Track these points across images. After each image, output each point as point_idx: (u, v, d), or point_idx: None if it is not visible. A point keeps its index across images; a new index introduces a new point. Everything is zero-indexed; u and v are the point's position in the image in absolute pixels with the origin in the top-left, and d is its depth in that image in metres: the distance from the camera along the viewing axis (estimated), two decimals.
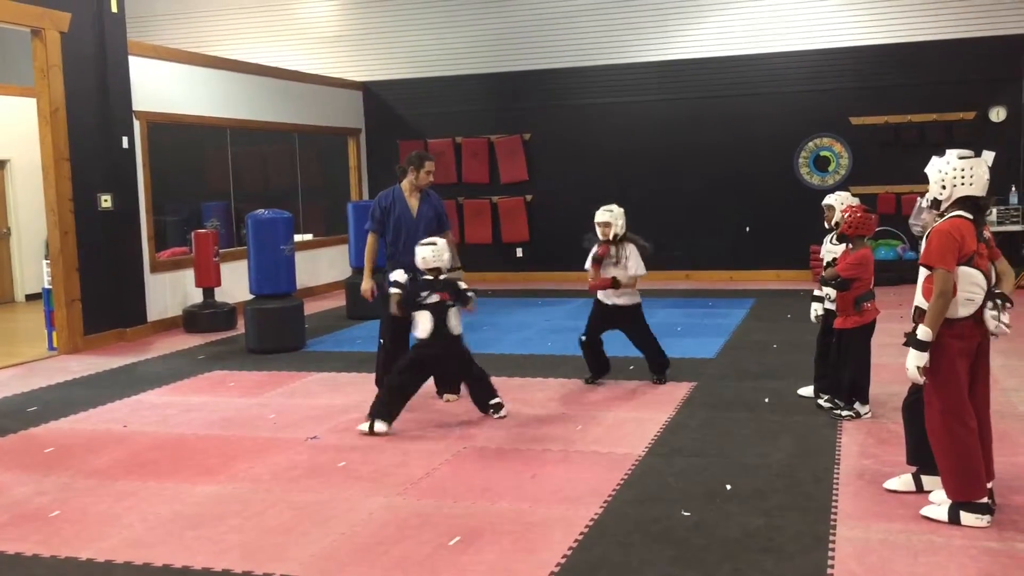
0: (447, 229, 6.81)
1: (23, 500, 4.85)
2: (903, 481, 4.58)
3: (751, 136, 13.04)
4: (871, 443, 5.37)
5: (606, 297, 6.92)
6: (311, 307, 11.26)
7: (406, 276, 6.13)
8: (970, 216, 4.12)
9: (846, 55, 12.64)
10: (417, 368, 6.02)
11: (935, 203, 4.20)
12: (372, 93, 14.58)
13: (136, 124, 10.06)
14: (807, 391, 6.39)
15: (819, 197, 7.12)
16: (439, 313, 5.95)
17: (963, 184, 4.10)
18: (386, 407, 5.86)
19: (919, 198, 4.68)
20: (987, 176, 4.15)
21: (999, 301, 4.13)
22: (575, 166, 13.68)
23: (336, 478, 5.05)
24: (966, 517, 4.10)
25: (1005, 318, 4.12)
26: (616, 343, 7.33)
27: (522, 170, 13.96)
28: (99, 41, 9.47)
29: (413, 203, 6.64)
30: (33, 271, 12.73)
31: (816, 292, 6.26)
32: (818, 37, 12.73)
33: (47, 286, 9.22)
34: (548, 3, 13.71)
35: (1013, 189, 11.94)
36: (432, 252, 5.98)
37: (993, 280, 4.18)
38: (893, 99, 12.44)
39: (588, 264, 6.87)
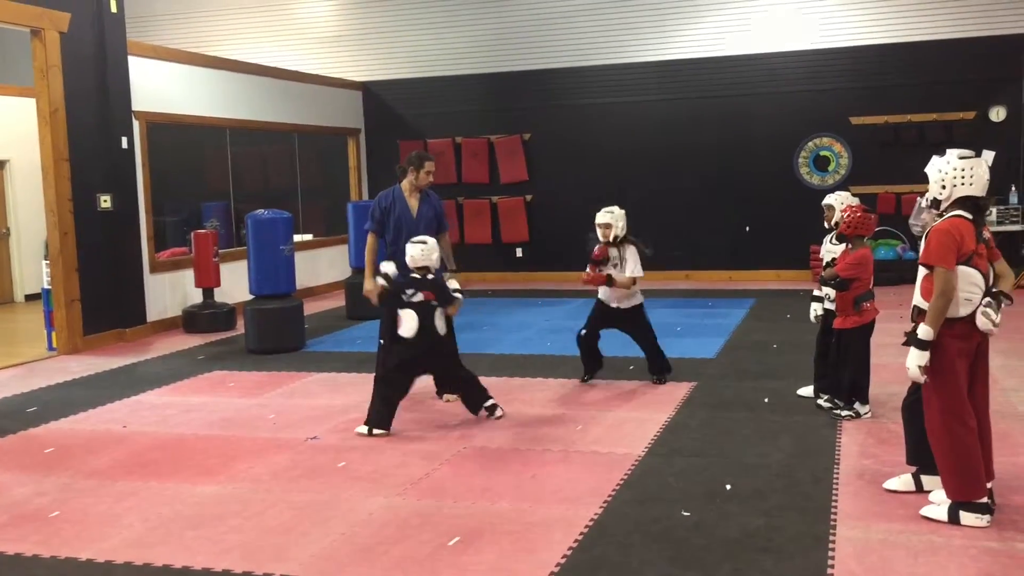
0: (446, 230, 6.82)
1: (23, 500, 4.85)
2: (903, 481, 4.58)
3: (751, 136, 13.05)
4: (871, 443, 5.37)
5: (607, 299, 6.93)
6: (311, 307, 11.26)
7: (394, 268, 6.14)
8: (969, 216, 4.12)
9: (846, 55, 12.64)
10: (403, 370, 5.98)
11: (935, 203, 4.20)
12: (372, 93, 14.58)
13: (135, 124, 10.06)
14: (807, 391, 6.40)
15: (819, 197, 7.12)
16: (425, 313, 5.90)
17: (963, 184, 4.10)
18: (380, 415, 5.86)
19: (919, 198, 4.67)
20: (987, 176, 4.15)
21: (998, 299, 4.13)
22: (575, 166, 13.68)
23: (336, 478, 5.05)
24: (966, 517, 4.10)
25: (997, 317, 4.11)
26: (616, 343, 7.34)
27: (522, 170, 13.96)
28: (99, 41, 9.47)
29: (413, 203, 6.64)
30: (32, 271, 12.73)
31: (816, 292, 6.26)
32: (818, 37, 12.73)
33: (46, 286, 9.22)
34: (548, 3, 13.71)
35: (1013, 189, 11.94)
36: (421, 251, 5.93)
37: (991, 281, 4.18)
38: (893, 99, 12.44)
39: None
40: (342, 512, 4.53)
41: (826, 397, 6.06)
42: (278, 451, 5.59)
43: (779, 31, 12.85)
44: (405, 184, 6.66)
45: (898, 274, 11.12)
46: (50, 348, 9.17)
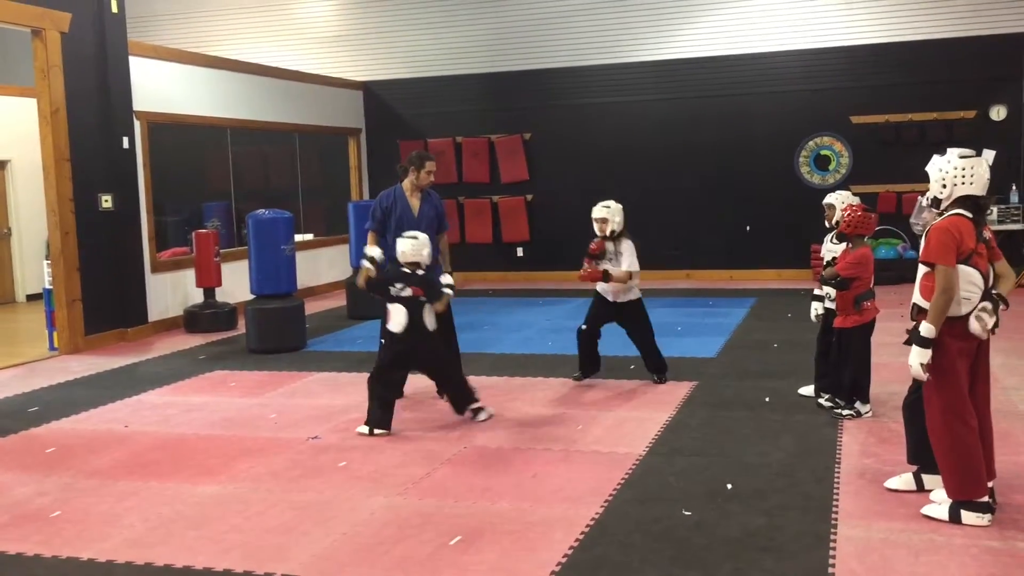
0: (446, 230, 6.83)
1: (24, 500, 4.85)
2: (904, 480, 4.58)
3: (751, 135, 13.05)
4: (872, 442, 5.37)
5: (605, 292, 6.90)
6: (312, 307, 11.26)
7: (380, 253, 6.13)
8: (970, 215, 4.12)
9: (846, 54, 12.64)
10: (393, 367, 5.95)
11: (935, 202, 4.20)
12: (372, 93, 14.59)
13: (136, 124, 10.06)
14: (808, 390, 6.39)
15: (820, 196, 7.12)
16: (413, 308, 5.85)
17: (963, 183, 4.10)
18: (379, 415, 5.85)
19: (920, 197, 4.68)
20: (987, 175, 4.15)
21: (995, 303, 4.12)
22: (576, 166, 13.68)
23: (337, 478, 5.05)
24: (967, 516, 4.10)
25: (991, 322, 4.10)
26: (616, 342, 7.34)
27: (522, 170, 13.96)
28: (99, 41, 9.47)
29: (415, 203, 6.64)
30: (34, 271, 12.73)
31: (816, 291, 6.26)
32: (818, 36, 12.73)
33: (48, 286, 9.22)
34: (549, 3, 13.71)
35: (1014, 188, 11.94)
36: (411, 246, 5.88)
37: (991, 281, 4.17)
38: (893, 98, 12.44)
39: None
40: (343, 512, 4.53)
41: (827, 396, 6.06)
42: (279, 451, 5.59)
43: (779, 30, 12.84)
44: (406, 184, 6.66)
45: (899, 273, 11.12)
46: (51, 348, 9.18)
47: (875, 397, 6.06)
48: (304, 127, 13.24)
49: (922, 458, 4.48)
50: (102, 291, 9.39)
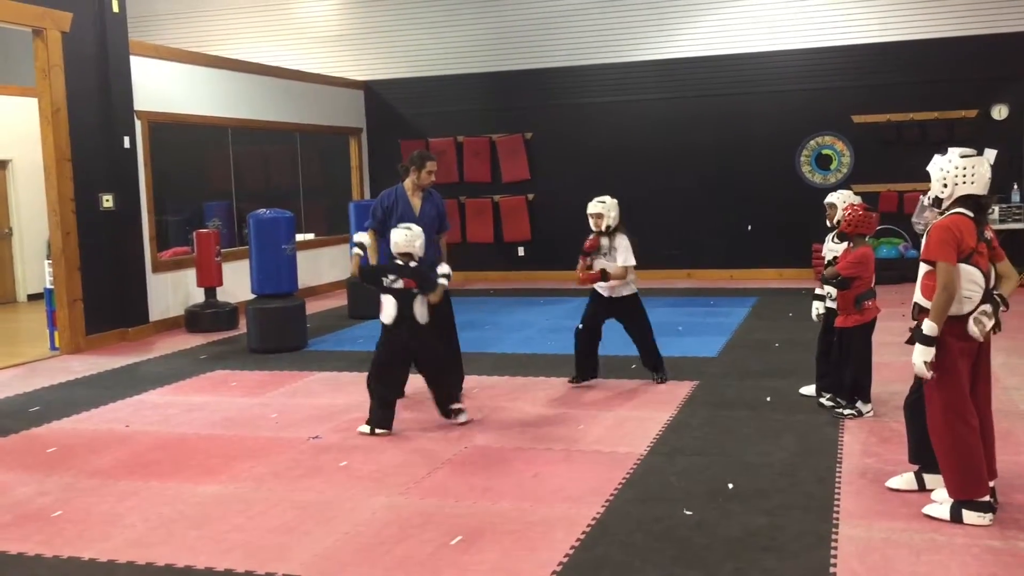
0: (446, 230, 6.83)
1: (25, 500, 4.85)
2: (905, 480, 4.58)
3: (753, 134, 13.04)
4: (873, 442, 5.37)
5: (603, 289, 6.87)
6: (313, 307, 11.26)
7: (369, 240, 6.12)
8: (971, 214, 4.12)
9: (847, 53, 12.63)
10: (389, 362, 5.89)
11: (936, 201, 4.20)
12: (373, 92, 14.59)
13: (137, 124, 10.07)
14: (809, 390, 6.39)
15: (821, 195, 7.12)
16: (404, 300, 5.82)
17: (964, 182, 4.10)
18: (380, 415, 5.84)
19: (922, 196, 4.67)
20: (989, 175, 4.14)
21: (995, 304, 4.12)
22: (577, 165, 13.67)
23: (338, 478, 5.05)
24: (968, 516, 4.10)
25: (989, 324, 4.09)
26: (616, 342, 7.33)
27: (524, 169, 13.96)
28: (100, 41, 9.47)
29: (416, 202, 6.64)
30: (35, 271, 12.73)
31: (817, 290, 6.25)
32: (819, 35, 12.72)
33: (49, 286, 9.23)
34: (550, 2, 13.71)
35: (1015, 187, 11.93)
36: (404, 236, 5.85)
37: (993, 281, 4.17)
38: (895, 97, 12.43)
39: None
40: (344, 512, 4.53)
41: (828, 396, 6.06)
42: (280, 450, 5.59)
43: (781, 29, 12.84)
44: (408, 183, 6.66)
45: (900, 273, 11.11)
46: (52, 348, 9.18)
47: (876, 396, 6.05)
48: (305, 127, 13.25)
49: (923, 458, 4.48)
50: (103, 291, 9.39)
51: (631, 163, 13.41)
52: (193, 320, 10.16)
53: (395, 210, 6.57)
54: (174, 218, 11.85)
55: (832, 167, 12.84)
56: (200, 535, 4.29)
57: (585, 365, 6.99)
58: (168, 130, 10.81)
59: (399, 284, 5.81)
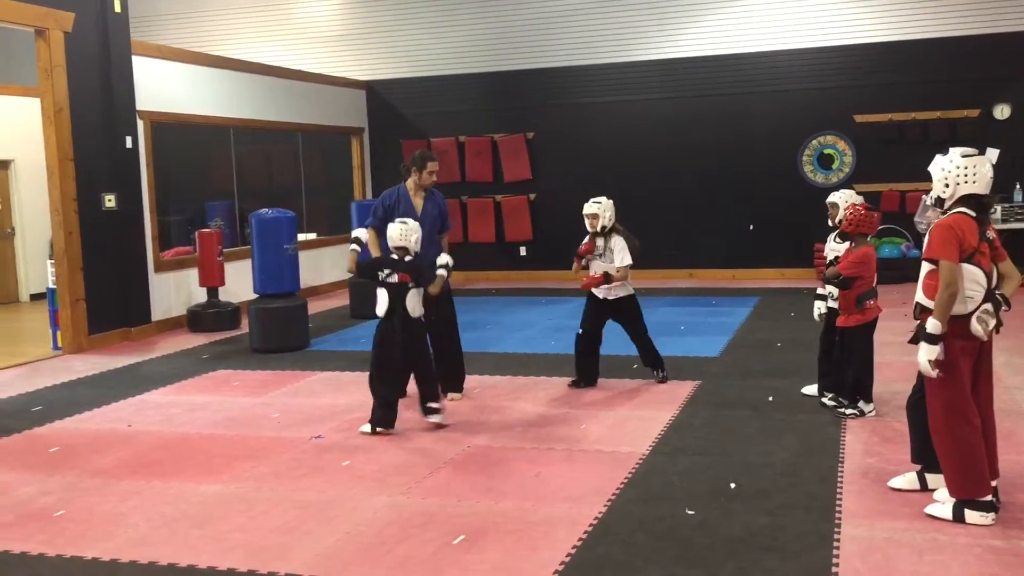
0: (448, 230, 6.83)
1: (28, 500, 4.86)
2: (907, 479, 4.57)
3: (755, 134, 13.04)
4: (875, 441, 5.37)
5: (600, 291, 6.85)
6: (315, 306, 11.27)
7: (367, 235, 6.13)
8: (973, 213, 4.11)
9: (850, 52, 12.62)
10: (387, 357, 5.85)
11: (939, 201, 4.20)
12: (375, 92, 14.59)
13: (140, 124, 10.07)
14: (811, 389, 6.39)
15: (823, 195, 7.11)
16: (398, 294, 5.79)
17: (966, 182, 4.09)
18: (381, 415, 5.84)
19: (924, 196, 4.67)
20: (991, 174, 4.14)
21: (997, 303, 4.12)
22: (579, 165, 13.67)
23: (340, 477, 5.06)
24: (970, 515, 4.10)
25: (992, 322, 4.09)
26: (617, 342, 7.33)
27: (525, 169, 13.96)
28: (103, 41, 9.48)
29: (418, 202, 6.64)
30: (37, 271, 12.74)
31: (819, 290, 6.25)
32: (822, 34, 12.71)
33: (51, 286, 9.24)
34: (551, 2, 13.70)
35: (1018, 187, 11.91)
36: (400, 230, 5.84)
37: (995, 281, 4.16)
38: (897, 96, 12.42)
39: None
40: (346, 511, 4.53)
41: (830, 395, 6.06)
42: (282, 450, 5.59)
43: (783, 29, 12.83)
44: (410, 183, 6.66)
45: (902, 272, 11.11)
46: (55, 347, 9.19)
47: (878, 396, 6.05)
48: (307, 126, 13.25)
49: (926, 457, 4.47)
50: (105, 291, 9.40)
51: (633, 163, 13.41)
52: (195, 320, 10.17)
53: (397, 209, 6.57)
54: (176, 218, 11.86)
55: (834, 166, 12.84)
56: (202, 534, 4.30)
57: (586, 369, 6.97)
58: (170, 130, 10.81)
59: (394, 278, 5.82)
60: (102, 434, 6.10)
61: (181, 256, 10.83)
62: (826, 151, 12.86)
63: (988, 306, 4.09)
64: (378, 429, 5.81)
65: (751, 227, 13.16)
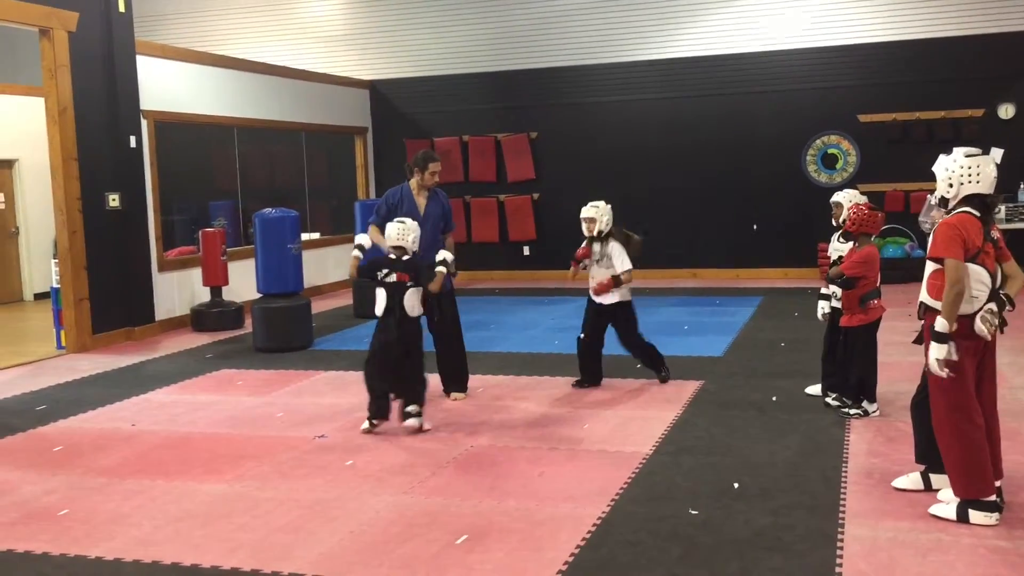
0: (452, 230, 6.82)
1: (32, 499, 4.86)
2: (911, 479, 4.57)
3: (759, 134, 13.03)
4: (879, 441, 5.36)
5: (595, 295, 6.82)
6: (318, 306, 11.27)
7: (369, 241, 6.13)
8: (977, 213, 4.11)
9: (854, 52, 12.60)
10: (380, 352, 5.84)
11: (943, 201, 4.19)
12: (379, 92, 14.60)
13: (144, 123, 10.09)
14: (815, 389, 6.38)
15: (827, 195, 7.10)
16: (395, 293, 5.80)
17: (970, 182, 4.09)
18: (372, 407, 5.84)
19: (929, 196, 4.67)
20: (995, 174, 4.13)
21: (1001, 303, 4.11)
22: (582, 164, 13.67)
23: (343, 477, 5.06)
24: (975, 515, 4.09)
25: (996, 322, 4.08)
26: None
27: (529, 169, 13.96)
28: (107, 40, 9.49)
29: (421, 201, 6.64)
30: (41, 270, 12.77)
31: (823, 290, 6.24)
32: (825, 34, 12.70)
33: (55, 285, 9.25)
34: (554, 2, 13.69)
35: (1022, 186, 11.89)
36: (398, 231, 5.83)
37: (999, 281, 4.16)
38: (901, 96, 12.41)
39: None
40: (350, 511, 4.54)
41: (834, 395, 6.05)
42: (286, 450, 5.60)
43: (786, 28, 12.82)
44: (413, 183, 6.66)
45: (907, 272, 11.09)
46: (59, 346, 9.20)
47: (882, 396, 6.04)
48: (311, 126, 13.26)
49: (930, 457, 4.47)
50: (109, 290, 9.41)
51: (637, 162, 13.40)
52: (199, 319, 10.18)
53: (400, 208, 6.57)
54: (180, 217, 11.85)
55: (838, 166, 12.82)
56: (206, 534, 4.30)
57: (589, 370, 6.97)
58: (174, 129, 10.83)
59: (392, 278, 5.82)
60: (106, 433, 6.10)
61: (185, 256, 10.83)
62: (830, 151, 12.84)
63: (992, 306, 4.08)
64: (374, 421, 5.81)
65: (755, 227, 13.15)
